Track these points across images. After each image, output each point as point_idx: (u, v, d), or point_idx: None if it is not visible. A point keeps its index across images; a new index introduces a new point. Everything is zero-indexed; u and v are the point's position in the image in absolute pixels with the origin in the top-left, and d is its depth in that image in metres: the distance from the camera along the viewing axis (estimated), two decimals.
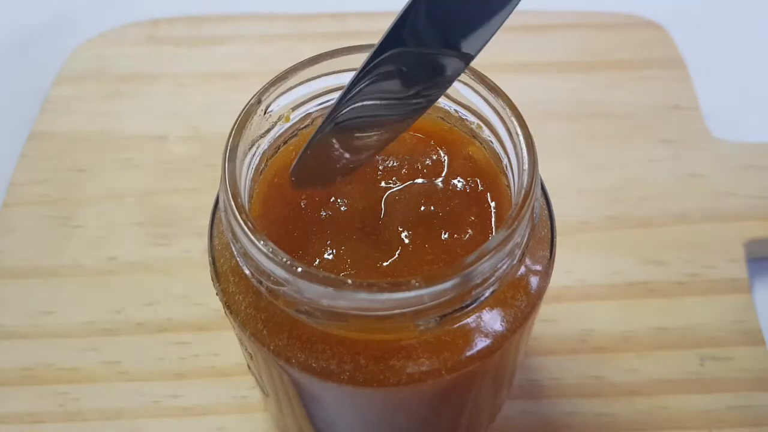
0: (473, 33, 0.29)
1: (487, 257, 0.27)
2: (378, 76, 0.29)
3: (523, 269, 0.32)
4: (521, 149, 0.30)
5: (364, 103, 0.30)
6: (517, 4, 0.28)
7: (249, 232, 0.28)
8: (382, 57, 0.29)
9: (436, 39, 0.29)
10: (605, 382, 0.45)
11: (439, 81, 0.31)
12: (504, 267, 0.29)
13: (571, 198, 0.53)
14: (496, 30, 0.29)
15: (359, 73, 0.29)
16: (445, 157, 0.35)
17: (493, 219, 0.33)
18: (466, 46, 0.29)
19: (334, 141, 0.31)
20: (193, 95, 0.60)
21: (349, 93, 0.29)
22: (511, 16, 0.29)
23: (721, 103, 0.60)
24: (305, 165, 0.31)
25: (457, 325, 0.30)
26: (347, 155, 0.32)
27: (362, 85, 0.29)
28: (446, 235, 0.32)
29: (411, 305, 0.27)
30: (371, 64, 0.29)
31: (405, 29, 0.28)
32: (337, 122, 0.30)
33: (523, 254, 0.30)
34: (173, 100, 0.59)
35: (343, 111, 0.30)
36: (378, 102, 0.30)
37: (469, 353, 0.30)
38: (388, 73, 0.29)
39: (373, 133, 0.32)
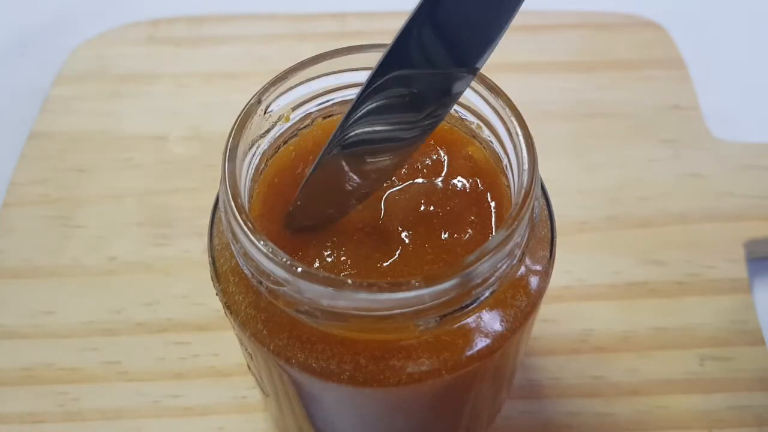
0: (477, 45, 0.28)
1: (487, 257, 0.27)
2: (385, 100, 0.29)
3: (523, 269, 0.32)
4: (521, 149, 0.30)
5: (374, 128, 0.30)
6: (518, 11, 0.28)
7: (249, 233, 0.28)
8: (385, 78, 0.28)
9: (439, 56, 0.28)
10: (605, 382, 0.45)
11: (448, 100, 0.30)
12: (504, 267, 0.29)
13: (571, 198, 0.53)
14: (500, 39, 0.29)
15: (361, 93, 0.28)
16: (445, 157, 0.34)
17: (493, 219, 0.33)
18: (471, 60, 0.29)
19: (343, 163, 0.31)
20: (193, 95, 0.60)
21: (354, 114, 0.29)
22: None
23: (721, 103, 0.60)
24: (312, 190, 0.31)
25: (457, 325, 0.30)
26: (355, 182, 0.32)
27: (367, 107, 0.29)
28: (446, 235, 0.32)
29: (411, 305, 0.27)
30: (373, 86, 0.28)
31: (405, 48, 0.28)
32: (344, 145, 0.30)
33: (523, 254, 0.30)
34: (173, 100, 0.59)
35: (351, 134, 0.30)
36: (388, 127, 0.30)
37: (469, 353, 0.30)
38: (396, 97, 0.29)
39: (383, 158, 0.31)
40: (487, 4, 0.28)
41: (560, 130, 0.57)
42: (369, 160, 0.31)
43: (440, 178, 0.34)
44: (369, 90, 0.28)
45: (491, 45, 0.28)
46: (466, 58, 0.29)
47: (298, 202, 0.31)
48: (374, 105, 0.29)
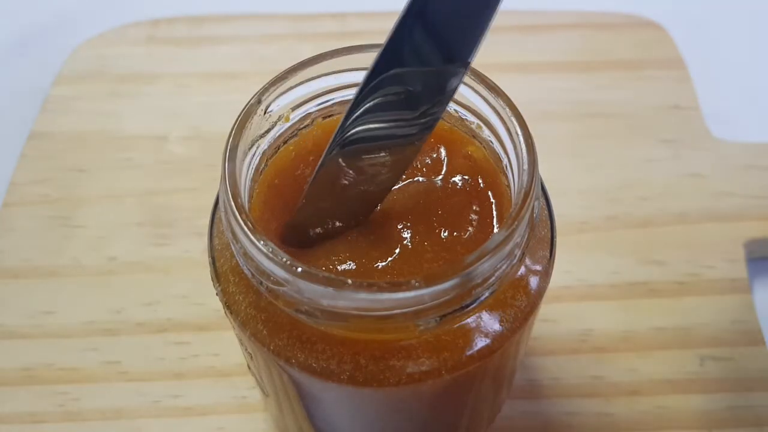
0: (466, 39, 0.29)
1: (487, 257, 0.27)
2: (382, 98, 0.29)
3: (523, 269, 0.32)
4: (521, 149, 0.30)
5: (372, 126, 0.30)
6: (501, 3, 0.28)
7: (249, 232, 0.28)
8: (381, 78, 0.28)
9: (431, 53, 0.28)
10: (605, 382, 0.45)
11: (443, 97, 0.30)
12: (504, 267, 0.29)
13: (571, 198, 0.53)
14: (488, 30, 0.29)
15: (359, 94, 0.29)
16: (445, 157, 0.34)
17: (493, 218, 0.33)
18: (462, 54, 0.29)
19: (344, 164, 0.31)
20: (193, 95, 0.60)
21: (352, 114, 0.29)
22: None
23: (721, 103, 0.60)
24: (316, 192, 0.31)
25: (457, 325, 0.30)
26: (358, 184, 0.32)
27: (365, 106, 0.29)
28: (446, 234, 0.32)
29: (411, 305, 0.27)
30: (370, 86, 0.28)
31: (398, 47, 0.28)
32: (344, 144, 0.30)
33: (523, 254, 0.30)
34: (173, 100, 0.59)
35: (350, 133, 0.30)
36: (386, 125, 0.30)
37: (469, 353, 0.30)
38: (393, 95, 0.29)
39: (383, 156, 0.31)
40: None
41: (560, 130, 0.57)
42: (367, 157, 0.31)
43: (440, 177, 0.34)
44: (366, 90, 0.29)
45: (479, 38, 0.29)
46: (456, 52, 0.29)
47: (303, 201, 0.31)
48: (372, 104, 0.29)
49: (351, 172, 0.31)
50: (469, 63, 0.29)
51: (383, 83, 0.29)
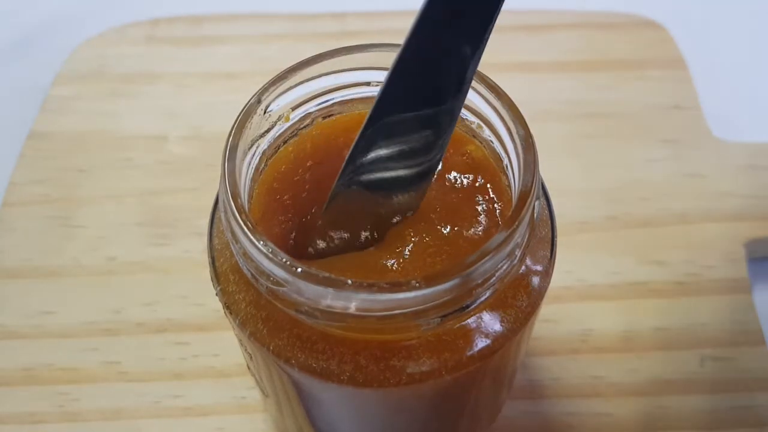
0: (468, 66, 0.28)
1: (488, 257, 0.27)
2: (394, 146, 0.29)
3: (523, 269, 0.32)
4: (521, 149, 0.30)
5: (385, 173, 0.30)
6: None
7: (249, 233, 0.28)
8: (378, 125, 0.28)
9: (427, 95, 0.29)
10: (605, 382, 0.45)
11: (450, 127, 0.30)
12: (505, 267, 0.29)
13: (571, 198, 0.53)
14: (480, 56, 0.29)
15: (357, 143, 0.29)
16: (445, 156, 0.34)
17: (493, 219, 0.33)
18: (464, 81, 0.29)
19: (357, 196, 0.31)
20: (193, 95, 0.60)
21: (358, 157, 0.29)
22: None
23: (721, 103, 0.60)
24: (332, 217, 0.31)
25: (458, 325, 0.30)
26: (375, 214, 0.32)
27: (376, 154, 0.29)
28: (447, 230, 0.32)
29: (411, 305, 0.27)
30: (367, 133, 0.29)
31: (395, 95, 0.28)
32: (357, 184, 0.30)
33: (523, 254, 0.30)
34: (173, 100, 0.59)
35: (363, 178, 0.30)
36: (400, 170, 0.31)
37: (469, 353, 0.30)
38: (403, 143, 0.29)
39: (400, 196, 0.32)
40: (463, 36, 0.28)
41: (560, 130, 0.57)
42: (382, 196, 0.31)
43: (439, 176, 0.34)
44: (364, 139, 0.29)
45: (478, 59, 0.28)
46: (460, 84, 0.29)
47: (319, 223, 0.32)
48: (384, 152, 0.29)
49: (367, 204, 0.31)
50: (470, 82, 0.29)
51: (391, 129, 0.29)
